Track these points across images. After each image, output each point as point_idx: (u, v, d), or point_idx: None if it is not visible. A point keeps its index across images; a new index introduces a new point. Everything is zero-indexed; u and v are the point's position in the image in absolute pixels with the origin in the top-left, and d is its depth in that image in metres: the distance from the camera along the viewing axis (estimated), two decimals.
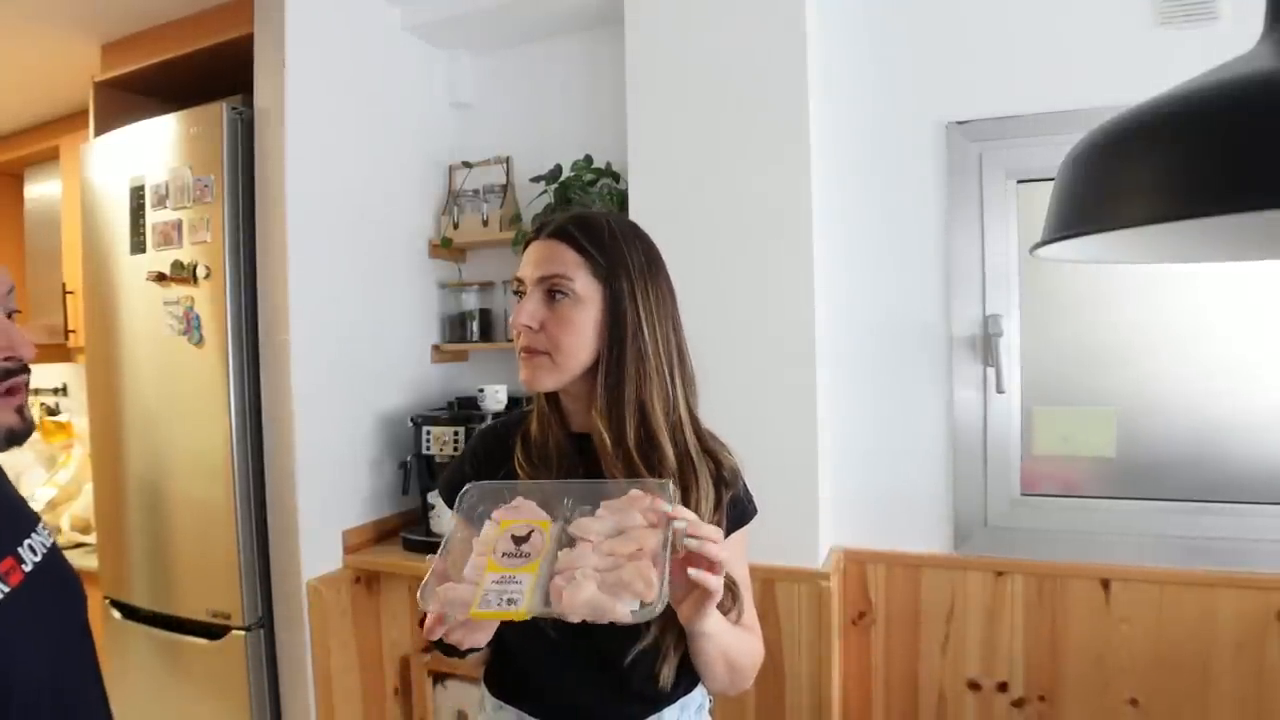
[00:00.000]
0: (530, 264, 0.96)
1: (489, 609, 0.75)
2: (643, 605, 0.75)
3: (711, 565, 0.78)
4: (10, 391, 0.80)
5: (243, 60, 1.98)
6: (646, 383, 0.94)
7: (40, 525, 0.95)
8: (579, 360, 0.94)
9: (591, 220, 0.97)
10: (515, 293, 0.98)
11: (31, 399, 0.83)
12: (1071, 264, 1.72)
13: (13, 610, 0.81)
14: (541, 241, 0.96)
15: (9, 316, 0.82)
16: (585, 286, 0.93)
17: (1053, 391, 1.86)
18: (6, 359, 0.78)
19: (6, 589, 0.82)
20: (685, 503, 0.92)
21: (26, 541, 0.90)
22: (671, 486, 0.85)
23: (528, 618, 0.74)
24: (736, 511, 1.01)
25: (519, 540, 0.81)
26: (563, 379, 0.95)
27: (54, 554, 0.94)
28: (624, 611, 0.73)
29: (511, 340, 0.99)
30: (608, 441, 0.94)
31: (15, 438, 0.83)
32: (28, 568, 0.87)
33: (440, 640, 0.85)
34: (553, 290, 0.93)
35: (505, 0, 2.15)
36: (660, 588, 0.74)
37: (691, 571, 0.77)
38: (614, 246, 0.95)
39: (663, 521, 0.79)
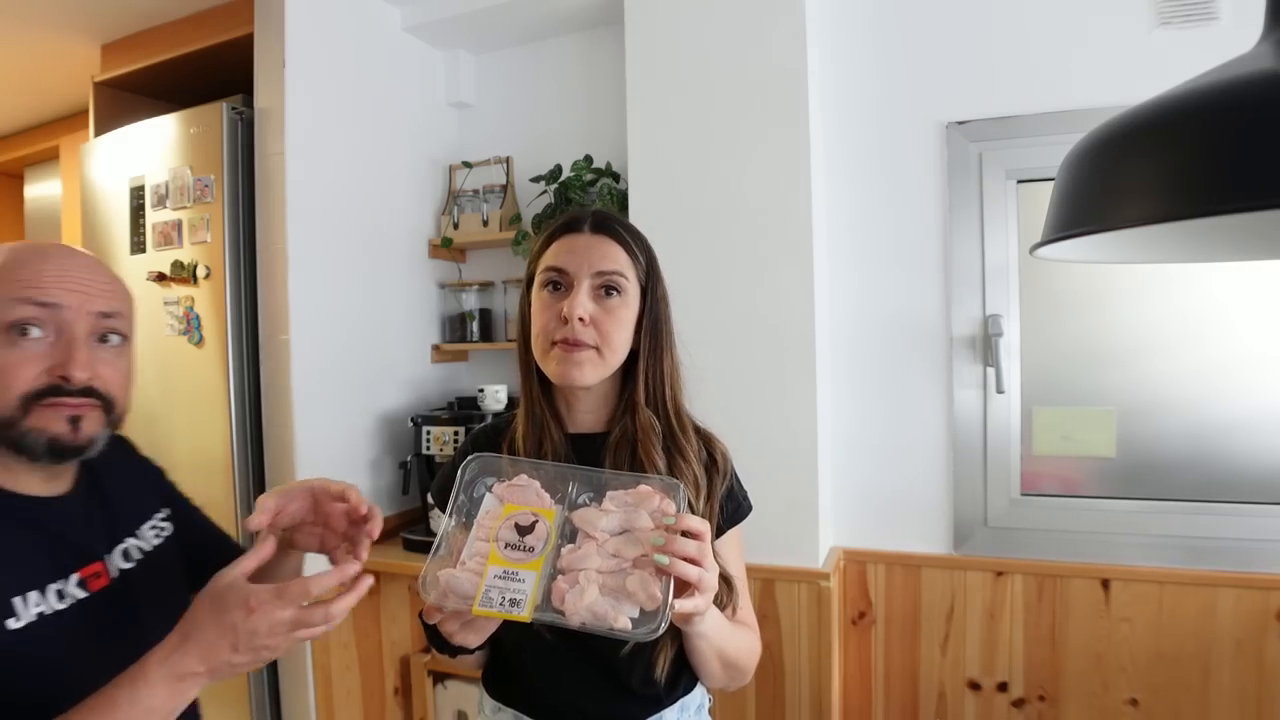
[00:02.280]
0: (577, 256, 0.94)
1: (491, 608, 0.74)
2: (643, 614, 0.75)
3: (687, 586, 0.77)
4: (61, 405, 0.78)
5: (243, 60, 1.98)
6: (678, 379, 1.00)
7: (151, 522, 0.93)
8: (621, 357, 0.96)
9: (626, 221, 1.00)
10: (549, 285, 0.95)
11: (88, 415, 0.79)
12: (1071, 264, 1.72)
13: (82, 617, 0.79)
14: (589, 235, 0.96)
15: (104, 340, 0.82)
16: (632, 284, 0.96)
17: (1053, 391, 1.86)
18: (59, 378, 0.77)
19: (84, 594, 0.80)
20: (688, 474, 0.95)
21: (125, 545, 0.88)
22: (683, 489, 0.84)
23: (529, 621, 0.74)
24: (731, 507, 1.02)
25: (522, 530, 0.80)
26: (603, 375, 0.95)
27: (158, 555, 0.92)
28: (625, 622, 0.73)
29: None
30: (655, 433, 0.96)
31: (61, 450, 0.79)
32: (114, 574, 0.85)
33: (436, 637, 0.85)
34: (608, 287, 0.94)
35: (505, 0, 2.15)
36: (664, 605, 0.74)
37: (677, 603, 0.76)
38: (647, 251, 0.99)
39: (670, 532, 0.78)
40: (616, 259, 0.95)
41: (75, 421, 0.79)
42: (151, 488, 1.00)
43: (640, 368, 0.97)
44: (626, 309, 0.95)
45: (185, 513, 1.02)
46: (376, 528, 0.83)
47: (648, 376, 0.97)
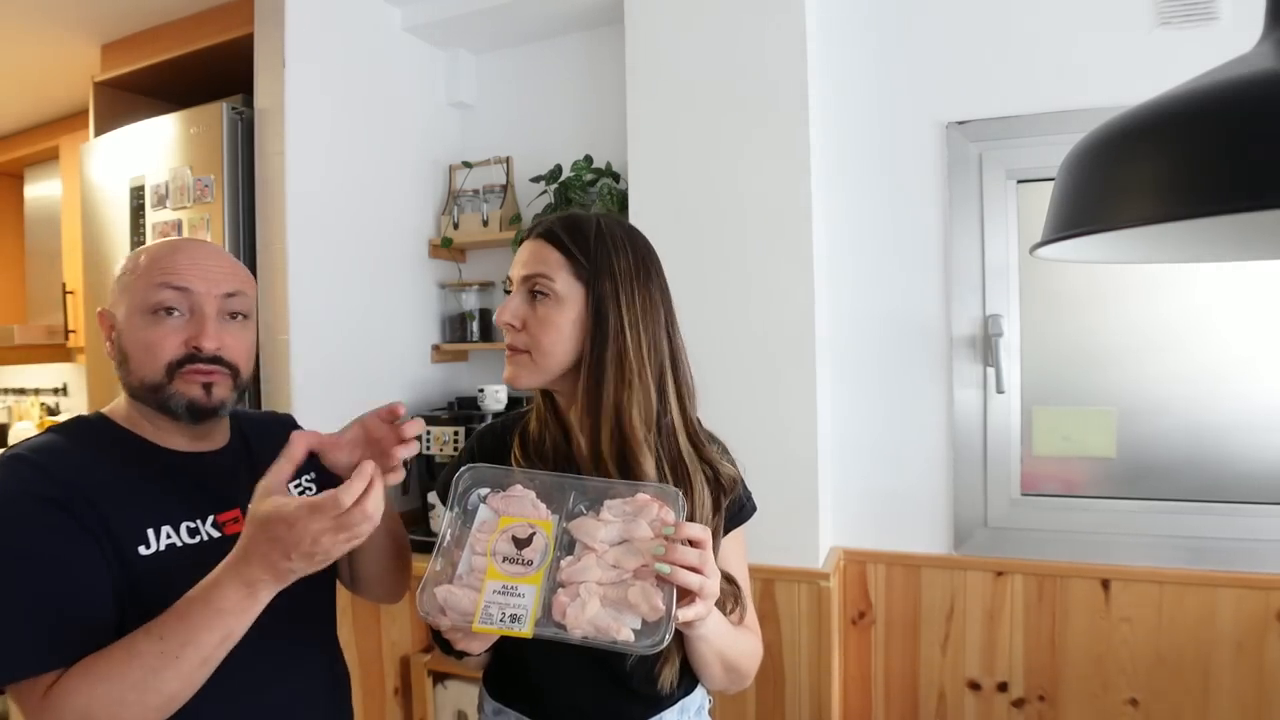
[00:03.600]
0: (518, 263, 0.97)
1: (491, 624, 0.74)
2: (645, 625, 0.75)
3: (689, 594, 0.77)
4: (196, 373, 0.92)
5: (243, 60, 1.98)
6: (626, 389, 0.92)
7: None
8: (558, 360, 0.94)
9: (580, 221, 0.96)
10: (505, 291, 0.99)
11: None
12: (1071, 264, 1.72)
13: (212, 554, 0.87)
14: (529, 241, 0.97)
15: (233, 318, 0.95)
16: (566, 287, 0.93)
17: (1053, 391, 1.86)
18: (193, 348, 0.91)
19: (218, 535, 0.93)
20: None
21: None
22: (682, 498, 0.84)
23: (530, 636, 0.74)
24: (734, 509, 1.01)
25: (520, 543, 0.79)
26: (542, 378, 0.95)
27: None
28: (627, 634, 0.74)
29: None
30: (583, 445, 0.93)
31: (198, 410, 0.92)
32: None
33: (440, 639, 0.85)
34: (535, 290, 0.94)
35: (505, 0, 2.15)
36: (667, 617, 0.74)
37: (679, 612, 0.76)
38: (600, 248, 0.94)
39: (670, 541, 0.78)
40: (544, 260, 0.93)
41: (208, 388, 0.92)
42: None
43: (581, 374, 0.94)
44: (558, 312, 0.92)
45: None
46: (410, 430, 0.90)
47: (585, 385, 0.93)
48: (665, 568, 0.76)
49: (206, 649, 0.77)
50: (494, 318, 0.94)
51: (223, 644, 0.78)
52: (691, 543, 0.78)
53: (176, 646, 0.76)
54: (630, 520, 0.80)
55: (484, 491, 0.85)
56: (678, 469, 0.94)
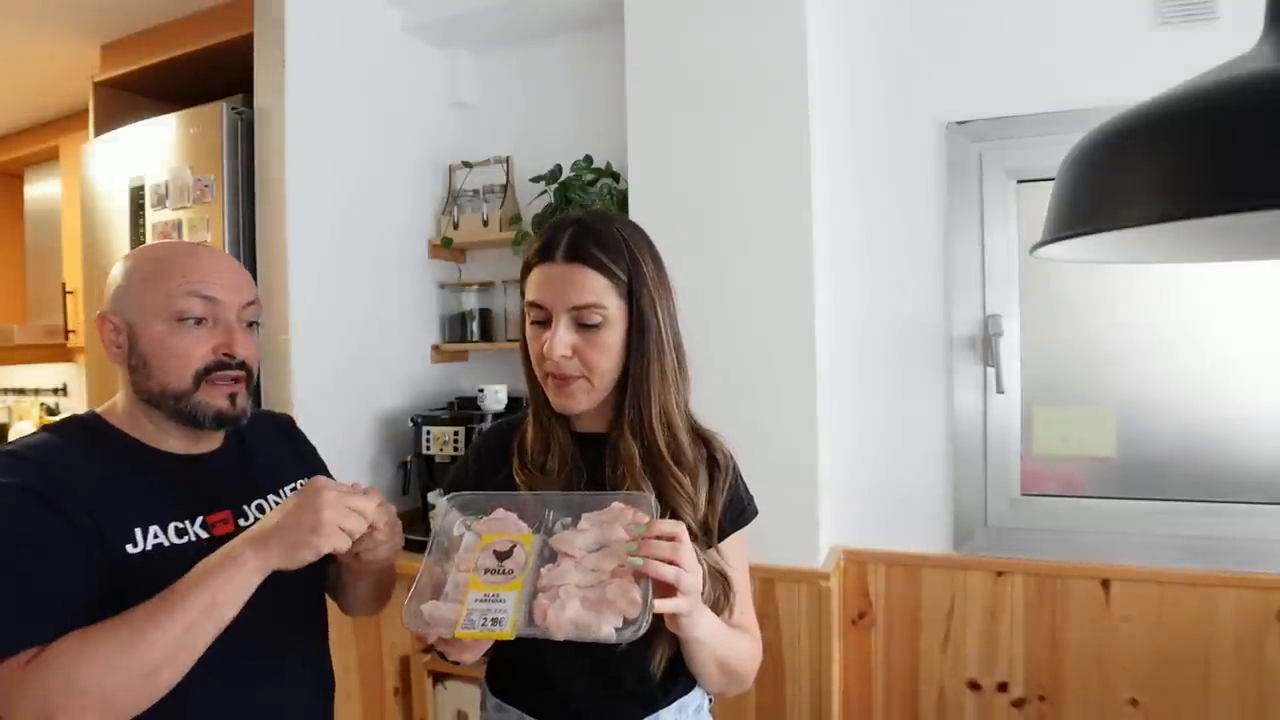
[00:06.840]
0: (552, 290, 0.92)
1: (473, 629, 0.75)
2: (626, 623, 0.75)
3: (668, 588, 0.78)
4: (223, 381, 0.94)
5: (243, 60, 1.98)
6: (669, 389, 0.96)
7: (293, 485, 1.07)
8: (612, 379, 0.95)
9: (605, 234, 0.94)
10: (535, 322, 0.95)
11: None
12: (1071, 264, 1.72)
13: (200, 554, 0.88)
14: (561, 265, 0.92)
15: (249, 326, 0.98)
16: (614, 308, 0.93)
17: (1053, 391, 1.86)
18: (224, 355, 0.93)
19: (207, 535, 0.93)
20: (681, 491, 0.94)
21: (261, 500, 1.02)
22: (654, 501, 0.86)
23: (513, 638, 0.75)
24: (735, 512, 1.01)
25: (501, 556, 0.81)
26: (598, 398, 0.96)
27: None
28: (609, 630, 0.75)
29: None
30: (636, 455, 0.94)
31: (224, 419, 0.95)
32: (244, 523, 0.98)
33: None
34: (585, 319, 0.92)
35: (505, 0, 2.15)
36: (644, 607, 0.75)
37: (657, 603, 0.77)
38: (631, 258, 0.94)
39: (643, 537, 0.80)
40: (591, 289, 0.91)
41: (233, 398, 0.95)
42: (301, 461, 1.14)
43: (630, 387, 0.95)
44: (609, 333, 0.93)
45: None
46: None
47: (635, 397, 0.95)
48: (638, 560, 0.77)
49: (192, 614, 0.78)
50: (545, 352, 0.91)
51: (208, 613, 0.79)
52: (665, 538, 0.79)
53: (164, 611, 0.78)
54: (606, 527, 0.82)
55: (468, 519, 0.87)
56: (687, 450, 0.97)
